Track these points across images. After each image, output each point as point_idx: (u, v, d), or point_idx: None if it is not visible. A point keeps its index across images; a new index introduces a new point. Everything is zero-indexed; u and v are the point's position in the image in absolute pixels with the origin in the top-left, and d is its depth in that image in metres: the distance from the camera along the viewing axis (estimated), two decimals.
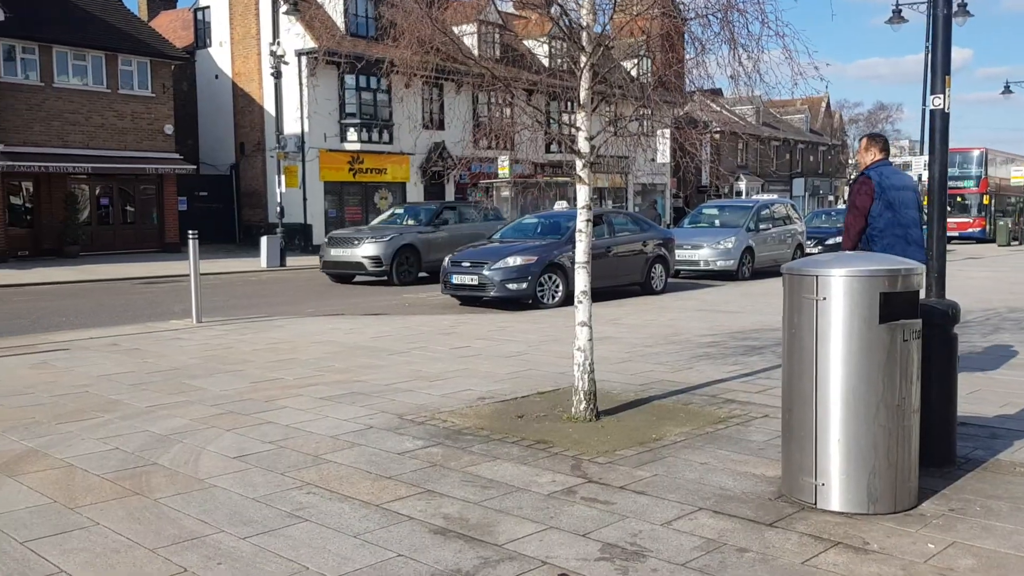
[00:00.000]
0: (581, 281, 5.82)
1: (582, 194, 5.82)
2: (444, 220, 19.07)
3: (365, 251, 17.70)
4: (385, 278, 17.83)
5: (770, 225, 19.80)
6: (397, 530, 3.89)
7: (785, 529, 3.85)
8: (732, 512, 4.08)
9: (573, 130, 5.92)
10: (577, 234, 5.84)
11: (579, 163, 5.80)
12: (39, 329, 11.48)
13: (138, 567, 3.50)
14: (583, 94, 5.75)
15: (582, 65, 5.69)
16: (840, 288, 3.97)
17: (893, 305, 3.97)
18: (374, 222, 21.81)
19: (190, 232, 11.83)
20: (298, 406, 6.44)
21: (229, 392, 7.01)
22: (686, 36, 5.83)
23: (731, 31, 5.46)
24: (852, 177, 6.79)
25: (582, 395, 5.79)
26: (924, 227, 6.11)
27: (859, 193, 6.10)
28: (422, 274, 17.96)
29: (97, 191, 28.25)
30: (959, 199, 36.94)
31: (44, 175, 26.03)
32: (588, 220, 5.82)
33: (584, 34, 5.70)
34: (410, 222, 19.35)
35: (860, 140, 6.53)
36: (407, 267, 18.00)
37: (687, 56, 5.86)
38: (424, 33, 5.96)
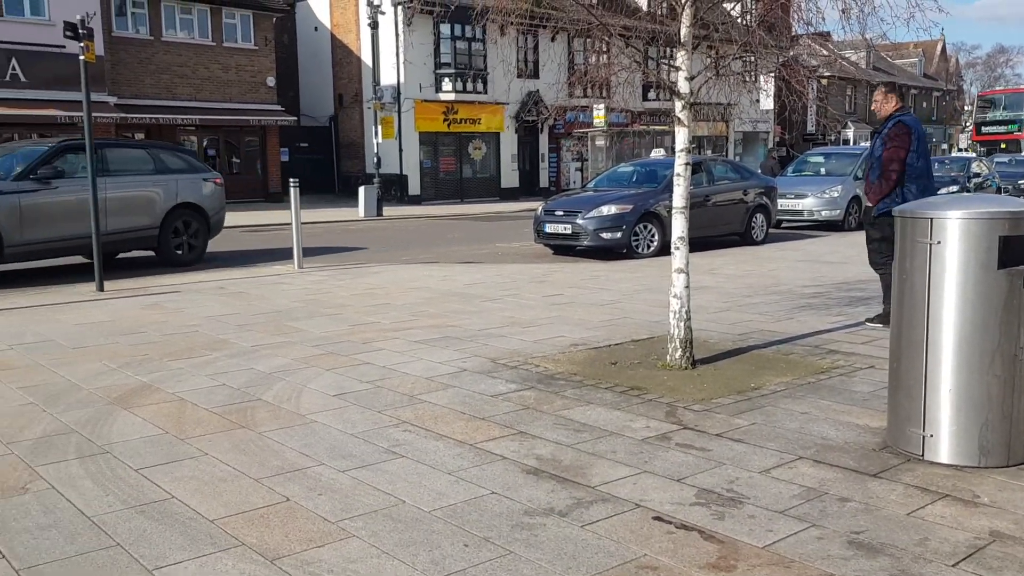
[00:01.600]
0: (678, 227, 5.69)
1: (681, 137, 5.65)
2: (57, 173, 11.33)
3: None
4: None
5: None
6: (490, 469, 3.92)
7: (890, 480, 3.72)
8: (834, 462, 3.95)
9: (673, 71, 5.74)
10: (675, 179, 5.70)
11: (678, 104, 5.63)
12: (152, 273, 11.99)
13: (243, 495, 3.64)
14: (684, 31, 5.55)
15: (683, 1, 5.48)
16: (956, 231, 3.75)
17: (1013, 250, 3.73)
18: None
19: (291, 181, 12.13)
20: (394, 348, 6.55)
21: (328, 334, 7.18)
22: None
23: None
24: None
25: (678, 343, 5.69)
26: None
27: (896, 140, 6.50)
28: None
29: (204, 143, 29.18)
30: None
31: (155, 127, 27.01)
32: (687, 164, 5.66)
33: None
34: None
35: (879, 88, 6.90)
36: None
37: None
38: None
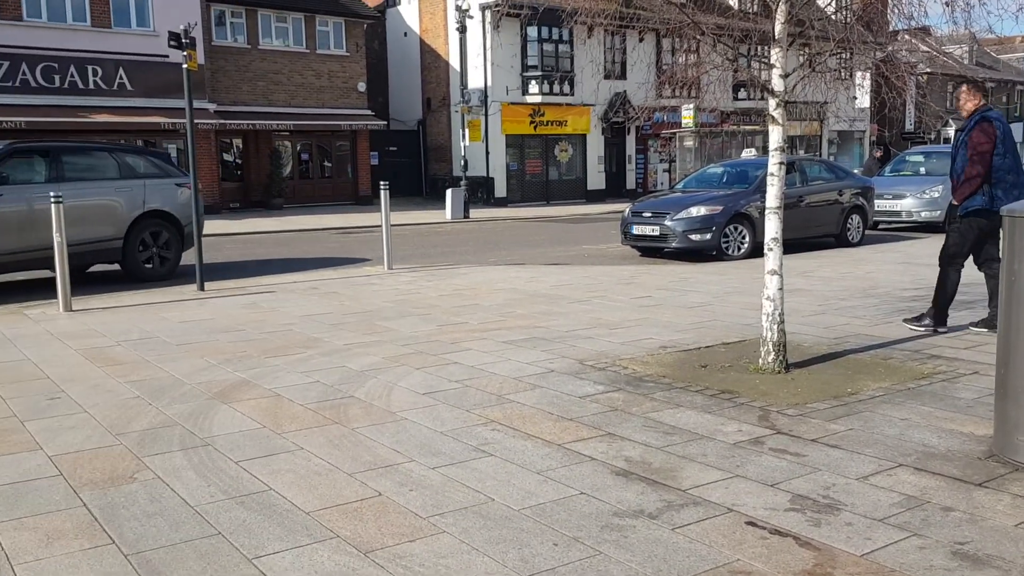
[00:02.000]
0: (772, 228, 5.57)
1: (775, 136, 5.53)
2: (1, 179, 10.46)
3: None
4: None
5: None
6: (579, 469, 3.91)
7: (996, 490, 3.56)
8: (936, 470, 3.81)
9: (766, 68, 5.63)
10: (768, 178, 5.58)
11: (772, 102, 5.51)
12: (248, 273, 12.40)
13: (337, 489, 3.73)
14: (778, 28, 5.44)
15: None
16: None
17: None
18: None
19: (382, 184, 12.36)
20: (482, 348, 6.61)
21: (417, 333, 7.29)
22: None
23: None
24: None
25: (770, 346, 5.57)
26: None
27: (982, 138, 6.41)
28: None
29: (298, 147, 30.00)
30: None
31: (252, 132, 27.92)
32: (781, 163, 5.54)
33: None
34: None
35: (961, 87, 6.82)
36: None
37: None
38: None
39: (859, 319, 7.54)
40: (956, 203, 6.78)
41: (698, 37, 5.90)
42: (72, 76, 23.16)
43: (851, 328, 7.13)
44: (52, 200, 8.66)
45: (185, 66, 9.88)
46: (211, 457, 4.19)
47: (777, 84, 5.49)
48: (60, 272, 8.66)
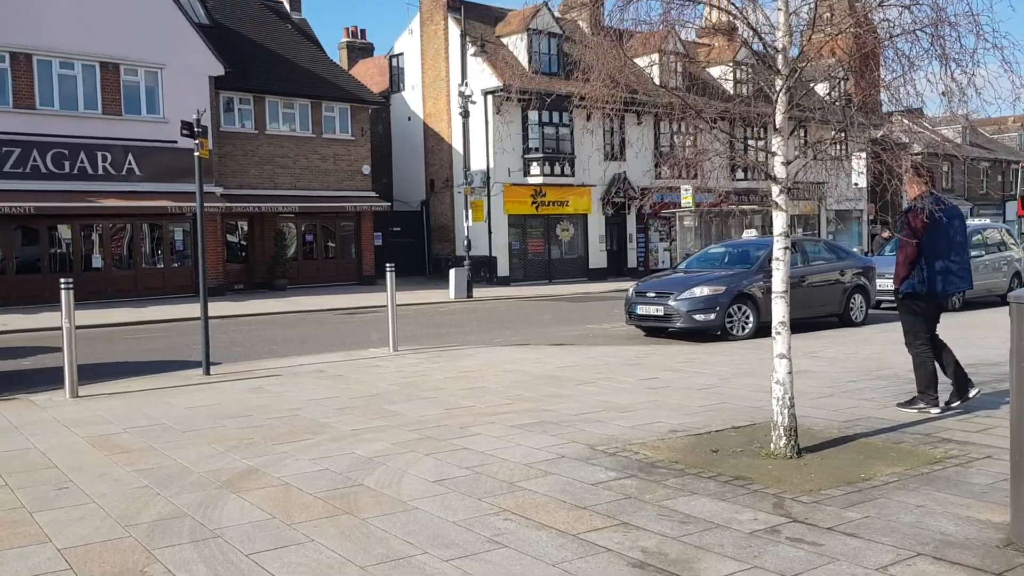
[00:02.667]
0: (779, 311, 5.62)
1: (779, 221, 5.63)
2: None
3: None
4: None
5: (983, 252, 18.29)
6: (595, 561, 3.87)
7: None
8: (955, 559, 3.76)
9: (768, 155, 5.76)
10: (774, 262, 5.65)
11: (775, 189, 5.62)
12: (254, 356, 12.41)
13: None
14: (779, 118, 5.58)
15: (777, 88, 5.53)
16: None
17: None
18: None
19: (388, 266, 12.46)
20: (491, 433, 6.58)
21: (425, 418, 7.26)
22: (890, 53, 5.54)
23: (943, 46, 5.14)
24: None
25: (781, 430, 5.56)
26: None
27: (908, 226, 6.81)
28: None
29: (302, 228, 30.33)
30: None
31: (257, 214, 28.26)
32: (786, 248, 5.62)
33: (780, 57, 5.55)
34: None
35: (906, 173, 7.00)
36: None
37: (891, 74, 5.56)
38: (614, 68, 6.01)
39: (868, 401, 7.53)
40: (895, 287, 7.27)
41: (700, 127, 6.05)
42: (82, 162, 23.57)
43: (860, 411, 7.11)
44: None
45: (196, 153, 10.09)
46: (222, 550, 4.14)
47: (779, 171, 5.61)
48: (68, 359, 8.67)
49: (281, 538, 4.30)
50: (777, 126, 5.59)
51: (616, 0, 5.66)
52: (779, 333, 5.61)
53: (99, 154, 23.86)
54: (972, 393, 7.03)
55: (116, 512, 4.77)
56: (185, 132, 10.12)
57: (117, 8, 23.82)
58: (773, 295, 5.67)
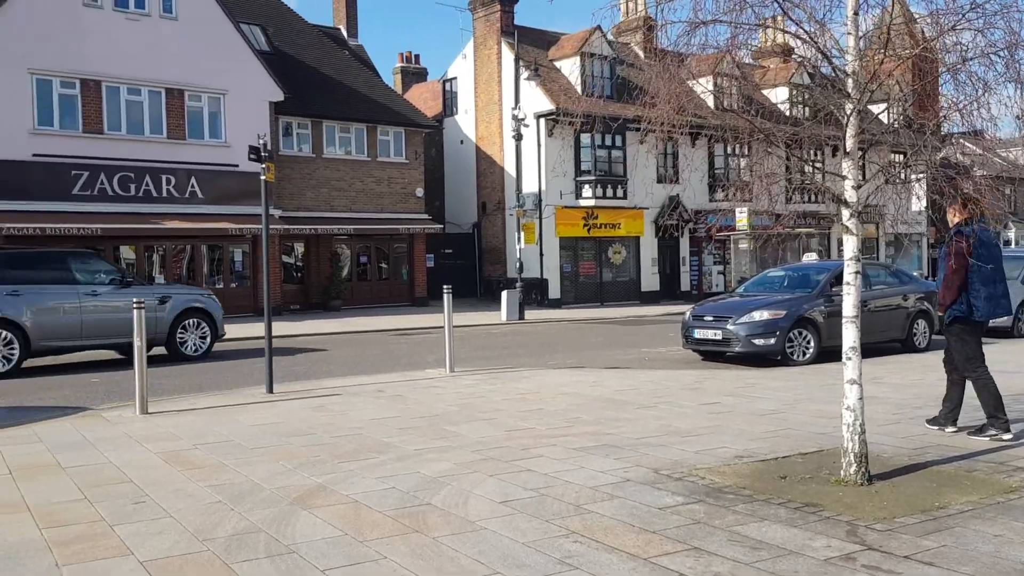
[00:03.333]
0: (850, 336, 5.56)
1: (850, 245, 5.58)
2: None
3: None
4: None
5: None
6: None
7: None
8: None
9: (838, 179, 5.72)
10: (844, 287, 5.60)
11: (846, 213, 5.58)
12: (313, 375, 12.59)
13: None
14: (849, 142, 5.55)
15: (848, 112, 5.51)
16: None
17: None
18: None
19: (445, 287, 12.57)
20: (553, 455, 6.59)
21: (486, 439, 7.30)
22: (963, 76, 5.48)
23: (1018, 70, 5.08)
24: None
25: (852, 457, 5.48)
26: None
27: (958, 250, 6.82)
28: None
29: (357, 250, 30.74)
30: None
31: (313, 236, 28.74)
32: (857, 272, 5.57)
33: (850, 80, 5.53)
34: None
35: (949, 206, 7.04)
36: None
37: (965, 97, 5.50)
38: (681, 92, 6.04)
39: (937, 428, 7.37)
40: (940, 314, 7.35)
41: (769, 150, 6.03)
42: (147, 185, 24.24)
43: (929, 438, 6.97)
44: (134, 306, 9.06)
45: (263, 177, 10.34)
46: (298, 565, 4.22)
47: (850, 195, 5.57)
48: (139, 376, 8.91)
49: (354, 555, 4.36)
50: (847, 150, 5.56)
51: (683, 25, 5.69)
52: (849, 359, 5.55)
53: (163, 177, 24.52)
54: (950, 430, 7.21)
55: (193, 526, 4.89)
56: (252, 157, 10.38)
57: (183, 36, 24.57)
58: (844, 320, 5.61)
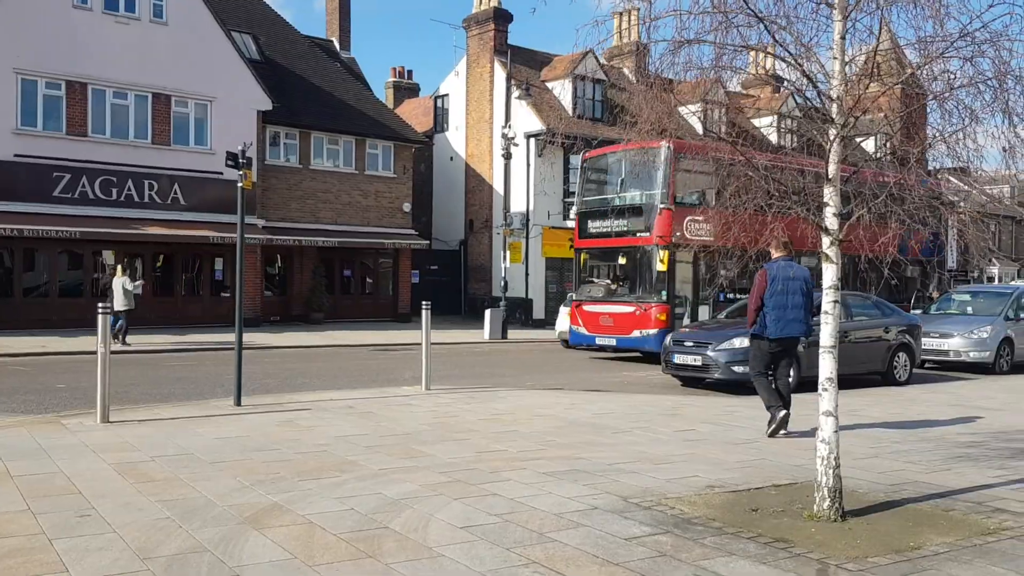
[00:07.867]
0: (827, 367, 5.41)
1: (829, 274, 5.45)
2: None
3: None
4: None
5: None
6: None
7: None
8: None
9: (819, 206, 5.60)
10: (823, 316, 5.47)
11: (826, 240, 5.45)
12: (286, 388, 12.35)
13: None
14: (831, 168, 5.43)
15: (831, 138, 5.39)
16: None
17: None
18: None
19: (424, 303, 12.37)
20: (522, 480, 6.40)
21: (455, 460, 7.10)
22: (950, 105, 5.37)
23: (1006, 99, 4.98)
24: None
25: (825, 492, 5.32)
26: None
27: (758, 281, 8.60)
28: None
29: (341, 263, 30.50)
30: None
31: (297, 247, 28.49)
32: (835, 302, 5.44)
33: (834, 106, 5.41)
34: None
35: (769, 244, 8.45)
36: None
37: (952, 127, 5.39)
38: (662, 113, 5.92)
39: (914, 464, 7.23)
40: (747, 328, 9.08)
41: (749, 174, 5.91)
42: (129, 189, 23.96)
43: (907, 474, 6.82)
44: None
45: (240, 184, 10.14)
46: None
47: (831, 223, 5.44)
48: (100, 383, 8.67)
49: None
50: (829, 176, 5.44)
51: (667, 44, 5.58)
52: (826, 390, 5.40)
53: (146, 182, 24.25)
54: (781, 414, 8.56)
55: (136, 543, 4.67)
56: (230, 163, 10.18)
57: (172, 41, 24.39)
58: (821, 349, 5.47)
